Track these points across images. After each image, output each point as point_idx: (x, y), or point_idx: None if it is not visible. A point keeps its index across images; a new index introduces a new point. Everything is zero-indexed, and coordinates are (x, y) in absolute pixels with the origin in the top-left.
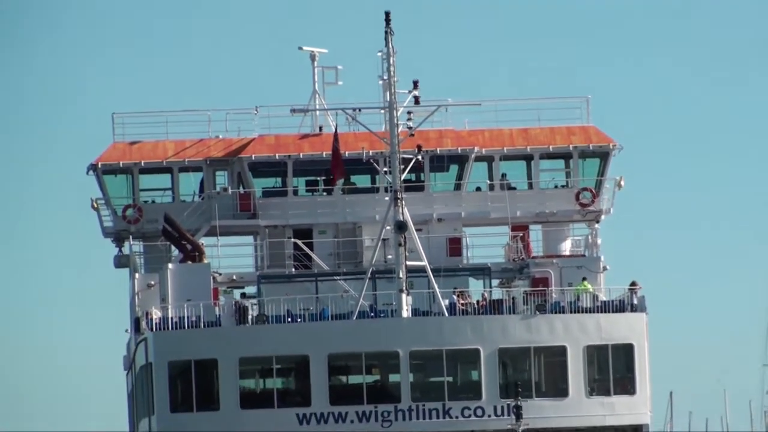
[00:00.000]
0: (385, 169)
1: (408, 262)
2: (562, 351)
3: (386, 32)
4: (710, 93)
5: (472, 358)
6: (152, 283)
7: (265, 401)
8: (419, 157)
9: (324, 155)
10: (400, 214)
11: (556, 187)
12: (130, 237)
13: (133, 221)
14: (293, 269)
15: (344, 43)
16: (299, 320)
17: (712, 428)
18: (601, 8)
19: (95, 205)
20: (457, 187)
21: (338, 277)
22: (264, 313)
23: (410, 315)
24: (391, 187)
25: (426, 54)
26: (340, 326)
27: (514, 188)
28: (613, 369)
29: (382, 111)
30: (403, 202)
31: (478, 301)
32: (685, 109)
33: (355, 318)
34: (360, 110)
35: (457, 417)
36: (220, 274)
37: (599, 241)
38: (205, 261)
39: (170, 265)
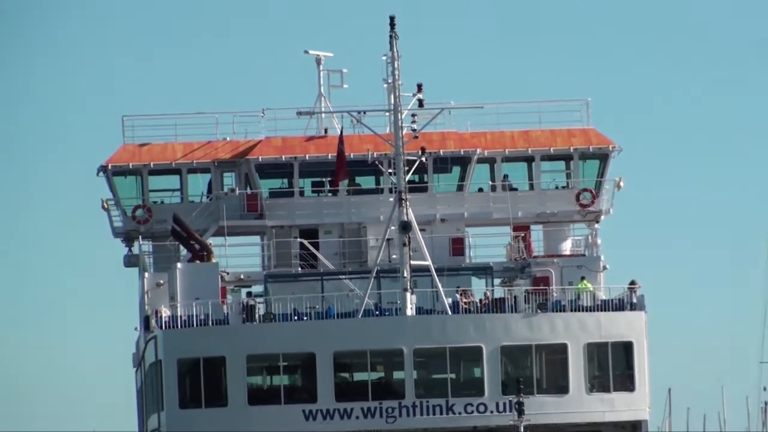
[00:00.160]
0: (390, 170)
1: (412, 262)
2: (562, 348)
3: (391, 36)
4: (710, 93)
5: (475, 356)
6: (161, 282)
7: (272, 398)
8: (423, 159)
9: (329, 157)
10: (404, 215)
11: (556, 188)
12: (140, 237)
13: (142, 221)
14: (299, 268)
15: (349, 46)
16: (305, 318)
17: (710, 424)
18: (600, 8)
19: (106, 206)
20: (460, 188)
21: (343, 277)
22: (271, 311)
23: (414, 313)
24: (395, 188)
25: (429, 57)
26: (345, 324)
27: (516, 189)
28: (613, 366)
29: (387, 114)
30: (408, 203)
31: (480, 300)
32: (684, 110)
33: (360, 316)
34: (365, 113)
35: (460, 413)
36: (228, 274)
37: (599, 241)
38: (213, 260)
39: (179, 265)
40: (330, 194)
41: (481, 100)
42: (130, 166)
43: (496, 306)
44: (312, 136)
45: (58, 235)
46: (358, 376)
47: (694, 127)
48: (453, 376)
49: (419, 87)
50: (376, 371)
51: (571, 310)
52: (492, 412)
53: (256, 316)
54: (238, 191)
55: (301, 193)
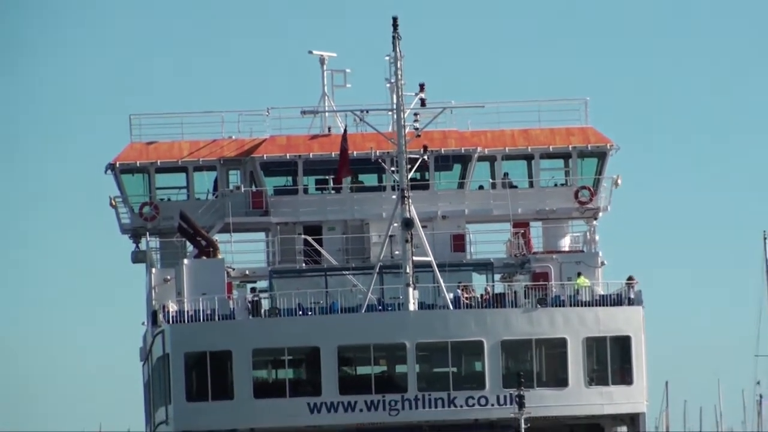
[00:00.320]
0: (392, 168)
1: (414, 258)
2: (562, 343)
3: (393, 37)
4: (707, 92)
5: (476, 350)
6: (168, 277)
7: (278, 391)
8: (425, 157)
9: (333, 155)
10: (407, 212)
11: (555, 185)
12: (147, 233)
13: (149, 218)
14: (303, 264)
15: (352, 47)
16: (310, 313)
17: (706, 417)
18: (600, 8)
19: (113, 203)
20: (461, 185)
21: (347, 272)
22: (276, 306)
23: (416, 308)
24: (398, 185)
25: (431, 57)
26: (349, 319)
27: (516, 187)
28: (611, 360)
29: (390, 113)
30: (410, 200)
31: (481, 295)
32: (681, 109)
33: (363, 311)
34: (368, 112)
35: (461, 406)
36: (234, 269)
37: (597, 238)
38: (219, 256)
39: (186, 261)
40: (333, 192)
41: (482, 100)
42: (138, 164)
43: (497, 301)
44: (316, 134)
45: (67, 233)
46: (362, 370)
47: (690, 125)
48: (455, 369)
49: (421, 87)
50: (379, 365)
51: (570, 305)
52: (493, 405)
53: (262, 311)
54: (243, 189)
55: (305, 191)
